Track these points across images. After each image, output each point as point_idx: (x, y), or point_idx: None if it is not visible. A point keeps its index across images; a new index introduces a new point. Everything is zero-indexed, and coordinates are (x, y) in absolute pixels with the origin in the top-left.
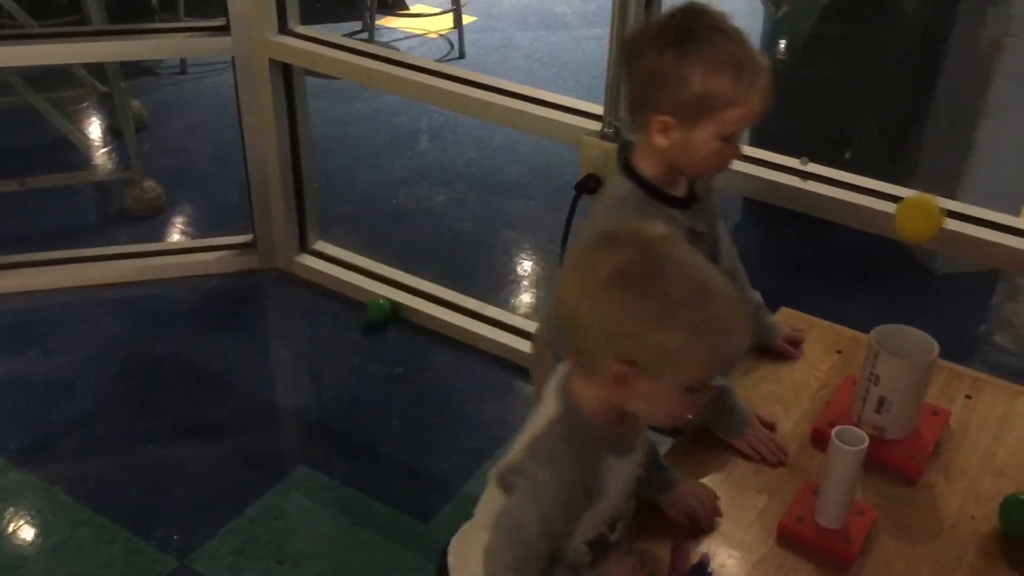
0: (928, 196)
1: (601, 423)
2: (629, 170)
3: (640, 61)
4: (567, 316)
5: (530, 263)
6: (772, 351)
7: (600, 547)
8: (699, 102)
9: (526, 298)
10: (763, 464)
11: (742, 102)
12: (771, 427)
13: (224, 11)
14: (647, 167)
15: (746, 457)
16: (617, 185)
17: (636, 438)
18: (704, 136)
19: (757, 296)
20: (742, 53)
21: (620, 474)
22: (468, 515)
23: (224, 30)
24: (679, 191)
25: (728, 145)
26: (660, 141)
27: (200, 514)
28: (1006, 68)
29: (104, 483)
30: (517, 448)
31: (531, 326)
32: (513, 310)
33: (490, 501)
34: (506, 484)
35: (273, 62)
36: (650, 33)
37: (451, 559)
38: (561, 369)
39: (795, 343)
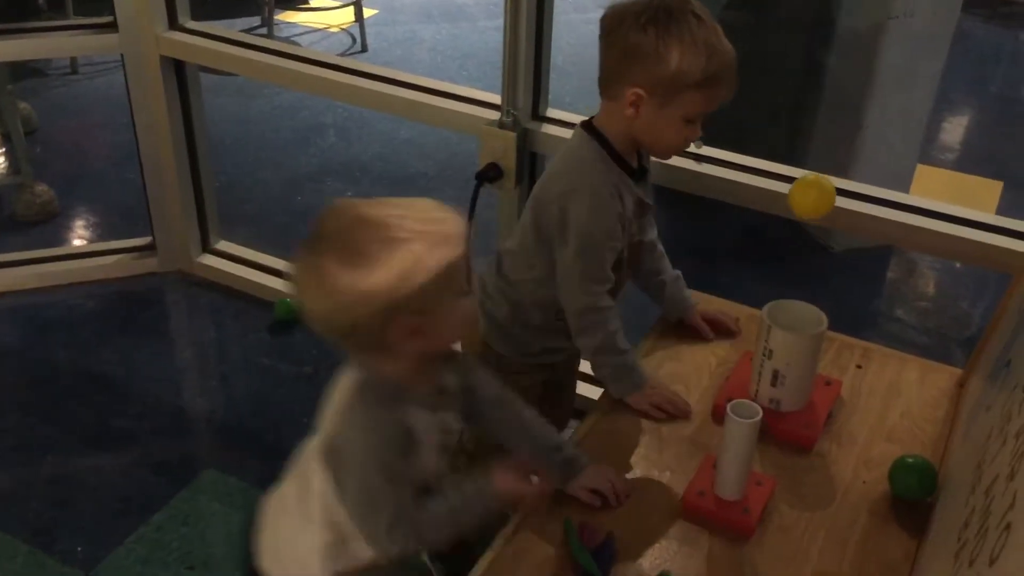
0: (820, 176)
1: (398, 381)
2: (594, 132)
3: (621, 34)
4: None
5: None
6: (686, 326)
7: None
8: (673, 80)
9: None
10: (669, 420)
11: (711, 86)
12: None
13: (112, 8)
14: (610, 135)
15: (650, 416)
16: (581, 143)
17: (441, 393)
18: (672, 114)
19: (676, 272)
20: (715, 40)
21: (430, 428)
22: None
23: (111, 27)
24: (632, 163)
25: (690, 127)
26: (630, 113)
27: (105, 524)
28: (889, 49)
29: (3, 497)
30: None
31: None
32: None
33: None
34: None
35: (164, 59)
36: (634, 9)
37: (267, 560)
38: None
39: (714, 325)
